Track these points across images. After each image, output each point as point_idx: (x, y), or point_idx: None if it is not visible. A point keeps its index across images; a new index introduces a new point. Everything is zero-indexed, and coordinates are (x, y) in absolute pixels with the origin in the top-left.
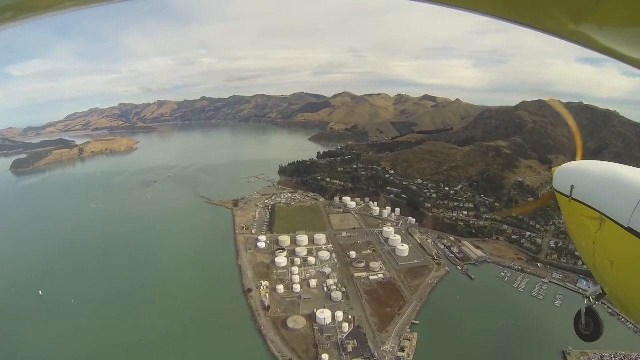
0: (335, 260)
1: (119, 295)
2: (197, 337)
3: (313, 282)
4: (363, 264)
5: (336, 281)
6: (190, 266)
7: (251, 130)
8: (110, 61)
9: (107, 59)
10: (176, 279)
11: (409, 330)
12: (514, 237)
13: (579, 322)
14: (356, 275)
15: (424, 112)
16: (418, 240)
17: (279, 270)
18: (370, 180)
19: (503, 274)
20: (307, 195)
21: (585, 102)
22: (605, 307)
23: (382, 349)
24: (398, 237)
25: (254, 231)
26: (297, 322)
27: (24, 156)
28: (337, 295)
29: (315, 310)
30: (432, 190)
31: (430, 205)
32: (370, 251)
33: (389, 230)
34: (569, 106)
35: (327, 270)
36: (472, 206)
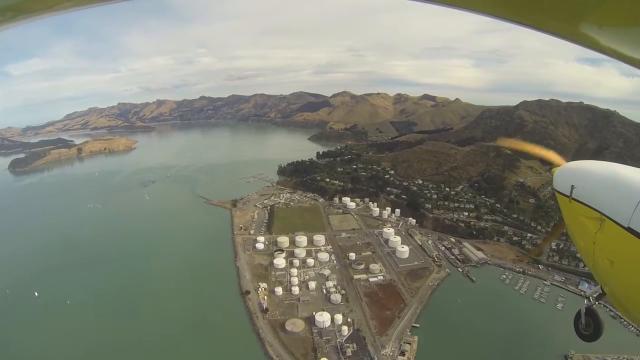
0: (335, 261)
1: (115, 296)
2: (194, 339)
3: (312, 284)
4: (362, 266)
5: (335, 283)
6: (188, 267)
7: (250, 130)
8: (109, 60)
9: (106, 58)
10: (173, 279)
11: (410, 333)
12: (514, 238)
13: (578, 322)
14: (355, 277)
15: (423, 111)
16: (418, 242)
17: (277, 271)
18: (370, 181)
19: (504, 276)
20: (306, 196)
21: (585, 102)
22: (607, 309)
23: (382, 352)
24: (398, 238)
25: (252, 232)
26: (295, 325)
27: (22, 155)
28: (336, 297)
29: (314, 313)
30: (433, 191)
31: (430, 206)
32: (370, 252)
33: (388, 231)
34: (570, 106)
35: (326, 272)
36: (473, 207)
